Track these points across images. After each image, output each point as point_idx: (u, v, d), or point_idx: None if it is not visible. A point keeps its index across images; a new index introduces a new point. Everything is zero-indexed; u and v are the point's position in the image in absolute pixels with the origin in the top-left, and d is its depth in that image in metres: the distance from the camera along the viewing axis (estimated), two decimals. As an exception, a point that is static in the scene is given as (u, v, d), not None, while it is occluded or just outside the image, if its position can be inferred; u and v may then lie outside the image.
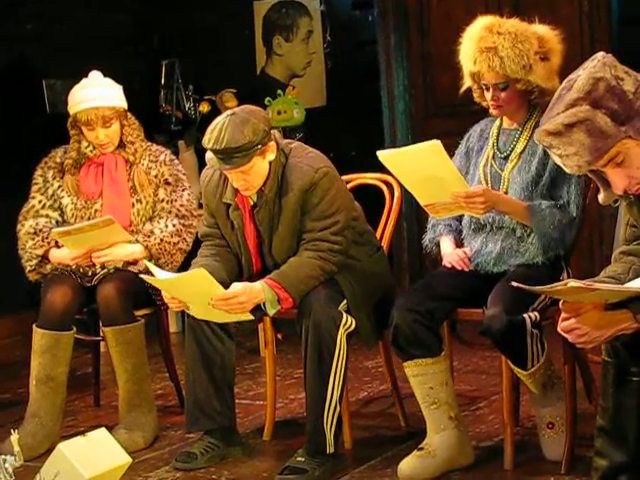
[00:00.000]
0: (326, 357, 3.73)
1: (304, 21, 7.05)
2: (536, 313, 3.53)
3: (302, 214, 3.84)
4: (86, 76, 4.45)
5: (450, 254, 3.86)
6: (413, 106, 6.78)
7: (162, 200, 4.41)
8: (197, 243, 4.18)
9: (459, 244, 3.92)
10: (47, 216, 4.43)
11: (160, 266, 4.28)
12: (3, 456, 3.23)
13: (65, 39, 6.74)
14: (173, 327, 5.92)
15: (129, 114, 4.46)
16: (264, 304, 3.78)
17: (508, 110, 3.77)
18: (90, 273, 4.35)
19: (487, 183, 3.76)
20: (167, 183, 4.43)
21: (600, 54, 2.84)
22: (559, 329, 2.86)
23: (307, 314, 3.74)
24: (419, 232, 4.76)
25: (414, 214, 6.51)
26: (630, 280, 2.84)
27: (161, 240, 4.32)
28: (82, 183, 4.43)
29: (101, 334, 4.37)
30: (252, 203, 3.90)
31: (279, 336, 4.20)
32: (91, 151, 4.43)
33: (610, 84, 2.77)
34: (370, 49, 6.81)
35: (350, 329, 3.78)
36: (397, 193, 4.26)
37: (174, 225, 4.37)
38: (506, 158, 3.79)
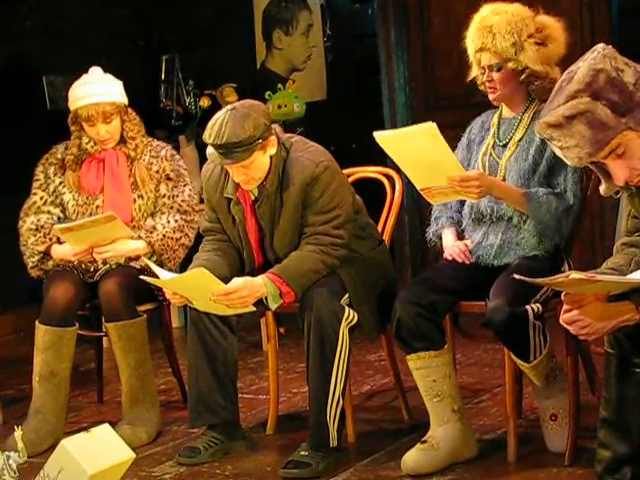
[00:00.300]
0: (328, 351, 3.72)
1: (304, 15, 7.04)
2: (538, 305, 3.53)
3: (303, 208, 3.84)
4: (86, 72, 4.45)
5: (451, 247, 3.86)
6: (413, 99, 6.77)
7: (164, 196, 4.41)
8: (199, 238, 4.19)
9: (460, 237, 3.92)
10: (49, 212, 4.42)
11: (163, 262, 4.29)
12: (7, 452, 3.23)
13: (65, 35, 6.73)
14: (175, 322, 5.93)
15: (130, 109, 4.46)
16: (266, 298, 3.78)
17: (503, 95, 3.76)
18: (92, 269, 4.35)
19: (485, 171, 3.75)
20: (168, 178, 4.42)
21: (600, 46, 2.84)
22: (561, 321, 2.86)
23: (309, 308, 3.74)
24: (421, 225, 4.77)
25: (415, 207, 6.50)
26: (632, 271, 2.84)
27: (164, 236, 4.32)
28: (83, 179, 4.43)
29: (104, 330, 4.37)
30: (253, 197, 3.90)
31: (281, 330, 4.20)
32: (92, 147, 4.43)
33: (610, 76, 2.76)
34: (370, 42, 6.79)
35: (352, 323, 3.78)
36: (398, 186, 4.26)
37: (176, 221, 4.36)
38: (504, 146, 3.79)
